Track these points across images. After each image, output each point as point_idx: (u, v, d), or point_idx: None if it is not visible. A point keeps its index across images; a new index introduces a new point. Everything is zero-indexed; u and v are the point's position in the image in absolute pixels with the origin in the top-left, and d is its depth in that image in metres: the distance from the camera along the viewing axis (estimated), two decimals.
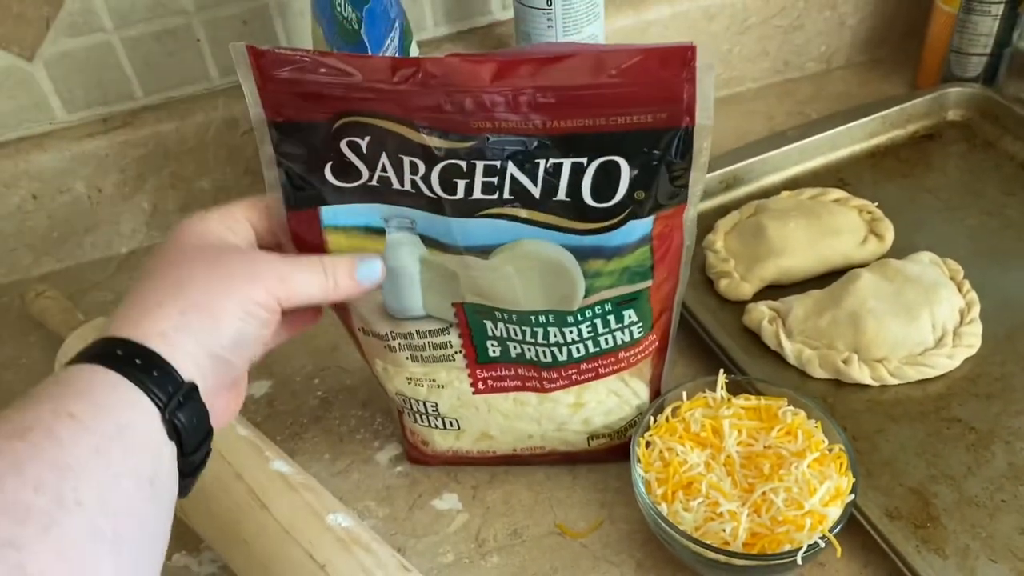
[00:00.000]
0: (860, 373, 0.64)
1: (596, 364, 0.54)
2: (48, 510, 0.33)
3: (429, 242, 0.49)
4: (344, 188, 0.47)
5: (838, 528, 0.51)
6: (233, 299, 0.43)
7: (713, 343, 0.67)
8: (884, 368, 0.64)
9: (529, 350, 0.53)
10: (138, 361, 0.39)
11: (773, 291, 0.72)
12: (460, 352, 0.53)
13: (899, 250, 0.73)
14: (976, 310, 0.67)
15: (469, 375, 0.54)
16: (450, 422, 0.57)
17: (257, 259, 0.46)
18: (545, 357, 0.53)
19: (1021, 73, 0.88)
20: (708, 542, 0.51)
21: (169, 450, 0.40)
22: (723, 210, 0.79)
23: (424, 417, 0.58)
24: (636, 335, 0.53)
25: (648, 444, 0.56)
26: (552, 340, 0.52)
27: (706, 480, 0.53)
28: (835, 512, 0.51)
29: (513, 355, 0.53)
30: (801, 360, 0.66)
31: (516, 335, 0.52)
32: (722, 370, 0.59)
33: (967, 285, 0.69)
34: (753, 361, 0.66)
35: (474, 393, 0.55)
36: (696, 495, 0.53)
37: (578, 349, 0.52)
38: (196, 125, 0.79)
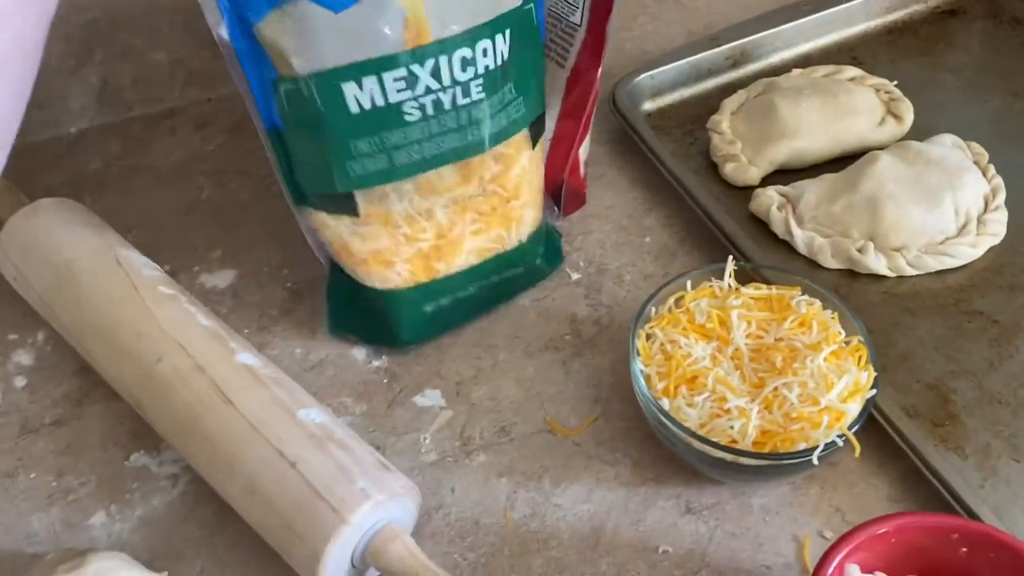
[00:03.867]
0: (876, 262, 0.60)
1: None
2: None
3: None
4: None
5: (857, 426, 0.47)
6: None
7: (718, 230, 0.61)
8: (902, 257, 0.60)
9: None
10: None
11: (782, 176, 0.66)
12: None
13: (919, 132, 0.68)
14: (1002, 196, 0.62)
15: None
16: None
17: None
18: None
19: None
20: (715, 440, 0.46)
21: None
22: (729, 89, 0.73)
23: None
24: None
25: (648, 337, 0.52)
26: None
27: (712, 374, 0.49)
28: (854, 408, 0.47)
29: None
30: (812, 249, 0.61)
31: None
32: (731, 257, 0.54)
33: (992, 170, 0.64)
34: (760, 250, 0.61)
35: None
36: (701, 390, 0.48)
37: None
38: None
